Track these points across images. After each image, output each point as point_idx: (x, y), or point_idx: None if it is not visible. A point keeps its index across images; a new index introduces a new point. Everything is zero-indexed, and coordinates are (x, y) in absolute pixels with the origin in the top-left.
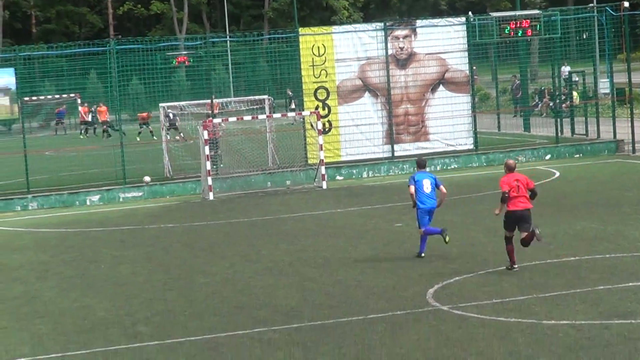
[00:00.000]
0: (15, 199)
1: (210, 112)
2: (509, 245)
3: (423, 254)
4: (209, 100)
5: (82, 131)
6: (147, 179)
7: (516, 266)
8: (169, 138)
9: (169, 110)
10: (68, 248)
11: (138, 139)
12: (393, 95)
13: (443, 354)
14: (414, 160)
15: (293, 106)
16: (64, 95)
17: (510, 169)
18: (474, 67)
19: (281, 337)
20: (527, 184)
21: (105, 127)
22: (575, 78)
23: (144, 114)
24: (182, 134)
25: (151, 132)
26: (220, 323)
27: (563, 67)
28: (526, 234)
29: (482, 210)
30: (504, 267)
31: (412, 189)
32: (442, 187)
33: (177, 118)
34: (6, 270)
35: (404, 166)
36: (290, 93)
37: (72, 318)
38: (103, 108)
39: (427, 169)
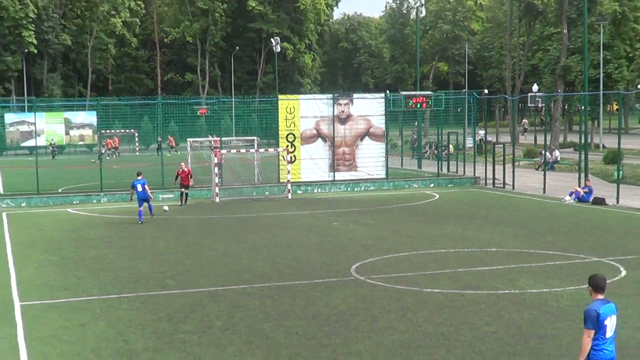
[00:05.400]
0: (93, 195)
1: (218, 145)
2: (180, 195)
3: (141, 222)
4: (218, 138)
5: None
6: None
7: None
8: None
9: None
10: (125, 228)
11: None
12: (336, 141)
13: (359, 307)
14: (349, 182)
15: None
16: (127, 130)
17: (182, 170)
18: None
19: (257, 291)
20: (189, 174)
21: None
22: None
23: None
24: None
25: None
26: (219, 281)
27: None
28: (186, 192)
29: (389, 217)
30: (404, 253)
31: (133, 190)
32: (146, 187)
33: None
34: (85, 241)
35: (341, 186)
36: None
37: (125, 273)
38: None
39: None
